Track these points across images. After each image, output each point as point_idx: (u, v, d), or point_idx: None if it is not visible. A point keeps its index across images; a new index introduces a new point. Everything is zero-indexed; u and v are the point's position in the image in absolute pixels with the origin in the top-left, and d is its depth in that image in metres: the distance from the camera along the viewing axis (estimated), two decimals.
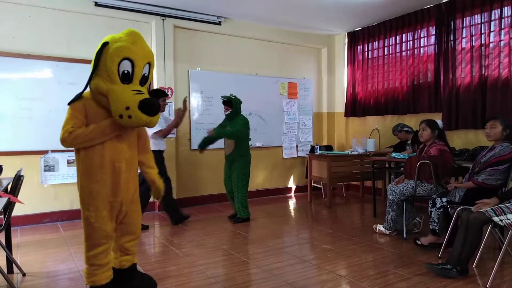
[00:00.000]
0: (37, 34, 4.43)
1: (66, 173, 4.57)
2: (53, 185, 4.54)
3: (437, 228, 3.29)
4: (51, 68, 4.48)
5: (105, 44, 2.16)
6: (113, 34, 2.23)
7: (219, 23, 5.55)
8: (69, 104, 2.22)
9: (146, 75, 2.27)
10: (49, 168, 4.49)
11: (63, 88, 4.53)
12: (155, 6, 4.97)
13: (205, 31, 5.51)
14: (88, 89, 2.27)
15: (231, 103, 4.36)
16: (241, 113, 4.47)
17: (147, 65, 2.26)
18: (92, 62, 2.20)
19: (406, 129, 4.94)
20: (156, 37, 5.08)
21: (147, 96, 2.16)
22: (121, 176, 2.29)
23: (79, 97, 2.22)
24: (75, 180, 4.53)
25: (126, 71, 2.16)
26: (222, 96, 4.46)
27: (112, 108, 2.11)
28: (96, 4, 4.65)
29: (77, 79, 4.57)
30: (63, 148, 4.36)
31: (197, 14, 5.31)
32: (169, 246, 3.59)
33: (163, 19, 5.12)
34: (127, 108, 2.07)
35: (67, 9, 4.56)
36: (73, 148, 2.29)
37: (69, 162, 4.58)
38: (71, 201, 4.63)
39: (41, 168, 4.45)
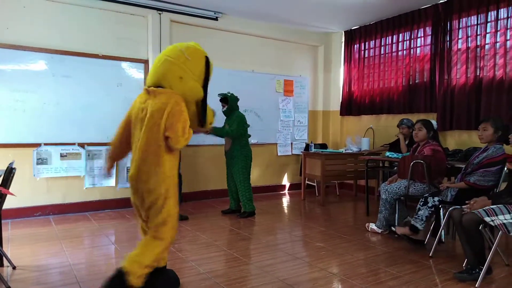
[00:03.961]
0: (31, 25, 4.37)
1: (59, 166, 4.54)
2: (46, 178, 4.51)
3: (420, 226, 3.29)
4: (45, 60, 4.43)
5: (207, 58, 2.57)
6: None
7: (216, 19, 5.52)
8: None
9: None
10: (41, 161, 4.45)
11: (57, 81, 4.49)
12: None
13: (202, 26, 5.48)
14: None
15: (227, 100, 4.46)
16: (238, 110, 4.54)
17: None
18: (203, 71, 2.57)
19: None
20: (152, 31, 5.04)
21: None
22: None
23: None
24: (68, 174, 4.59)
25: None
26: (219, 94, 4.56)
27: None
28: None
29: (71, 71, 4.55)
30: (56, 141, 4.47)
31: (194, 9, 5.28)
32: None
33: (159, 13, 5.08)
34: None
35: (62, 1, 4.50)
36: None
37: (62, 156, 4.55)
38: (63, 194, 4.60)
39: (33, 161, 4.41)
